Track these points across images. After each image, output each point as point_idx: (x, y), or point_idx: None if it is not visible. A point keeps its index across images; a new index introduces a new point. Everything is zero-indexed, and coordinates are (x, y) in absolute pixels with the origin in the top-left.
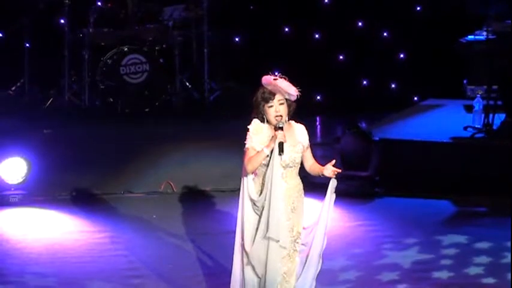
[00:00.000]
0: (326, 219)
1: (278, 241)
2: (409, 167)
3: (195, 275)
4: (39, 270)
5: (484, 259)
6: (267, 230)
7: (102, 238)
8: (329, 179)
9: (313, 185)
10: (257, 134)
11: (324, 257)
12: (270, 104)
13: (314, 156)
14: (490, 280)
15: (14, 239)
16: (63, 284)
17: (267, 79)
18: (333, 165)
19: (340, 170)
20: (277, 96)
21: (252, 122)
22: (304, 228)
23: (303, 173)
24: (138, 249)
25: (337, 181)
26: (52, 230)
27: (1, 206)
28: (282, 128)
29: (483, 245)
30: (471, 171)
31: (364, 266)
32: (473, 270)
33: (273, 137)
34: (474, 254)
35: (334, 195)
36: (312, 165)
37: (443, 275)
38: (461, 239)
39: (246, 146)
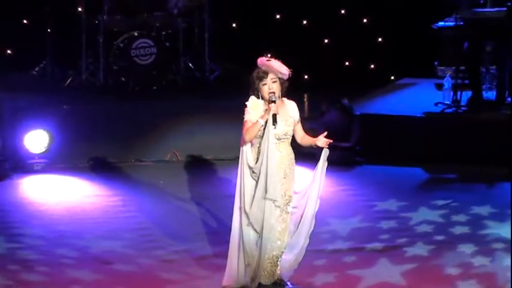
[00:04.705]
0: (319, 184)
1: (275, 201)
2: (387, 138)
3: (198, 233)
4: (60, 230)
5: (453, 221)
6: (266, 193)
7: (116, 201)
8: (320, 149)
9: (303, 155)
10: (254, 108)
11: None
12: (264, 82)
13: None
14: (462, 246)
15: (37, 202)
16: (82, 241)
17: (261, 60)
18: (325, 137)
19: (331, 141)
20: (270, 75)
21: (250, 99)
22: (295, 193)
23: (293, 143)
24: (147, 210)
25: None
26: (71, 194)
27: (26, 173)
28: (274, 102)
29: (453, 208)
30: (441, 142)
31: (346, 227)
32: (444, 232)
33: (266, 109)
34: (444, 216)
35: (326, 163)
36: (303, 138)
37: (416, 235)
38: (432, 202)
39: (244, 119)
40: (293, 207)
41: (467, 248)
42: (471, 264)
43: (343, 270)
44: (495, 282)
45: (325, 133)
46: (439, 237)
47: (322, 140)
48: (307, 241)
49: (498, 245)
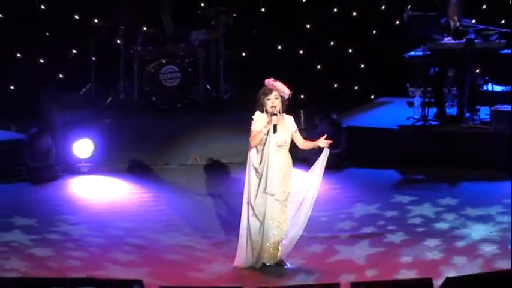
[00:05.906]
0: (318, 177)
1: (273, 195)
2: (368, 146)
3: (214, 223)
4: (102, 221)
5: (421, 212)
6: (265, 187)
7: (148, 197)
8: (317, 152)
9: (298, 159)
10: (259, 120)
11: None
12: (268, 97)
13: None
14: (421, 228)
15: (83, 198)
16: (120, 231)
17: (268, 81)
18: (324, 139)
19: (331, 141)
20: (274, 93)
21: (255, 113)
22: (294, 186)
23: (292, 149)
24: (174, 205)
25: (315, 156)
26: (112, 192)
27: (74, 174)
28: (276, 115)
29: (421, 202)
30: (412, 150)
31: (335, 218)
32: (412, 220)
33: (269, 121)
34: (413, 208)
35: (325, 161)
36: (303, 143)
37: (392, 223)
38: (404, 197)
39: (251, 129)
40: (291, 197)
41: (431, 242)
42: (425, 256)
43: (332, 245)
44: (433, 274)
45: (325, 135)
46: (412, 227)
47: (323, 142)
48: (305, 224)
49: (461, 243)
